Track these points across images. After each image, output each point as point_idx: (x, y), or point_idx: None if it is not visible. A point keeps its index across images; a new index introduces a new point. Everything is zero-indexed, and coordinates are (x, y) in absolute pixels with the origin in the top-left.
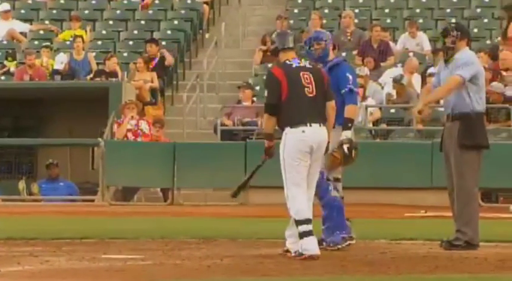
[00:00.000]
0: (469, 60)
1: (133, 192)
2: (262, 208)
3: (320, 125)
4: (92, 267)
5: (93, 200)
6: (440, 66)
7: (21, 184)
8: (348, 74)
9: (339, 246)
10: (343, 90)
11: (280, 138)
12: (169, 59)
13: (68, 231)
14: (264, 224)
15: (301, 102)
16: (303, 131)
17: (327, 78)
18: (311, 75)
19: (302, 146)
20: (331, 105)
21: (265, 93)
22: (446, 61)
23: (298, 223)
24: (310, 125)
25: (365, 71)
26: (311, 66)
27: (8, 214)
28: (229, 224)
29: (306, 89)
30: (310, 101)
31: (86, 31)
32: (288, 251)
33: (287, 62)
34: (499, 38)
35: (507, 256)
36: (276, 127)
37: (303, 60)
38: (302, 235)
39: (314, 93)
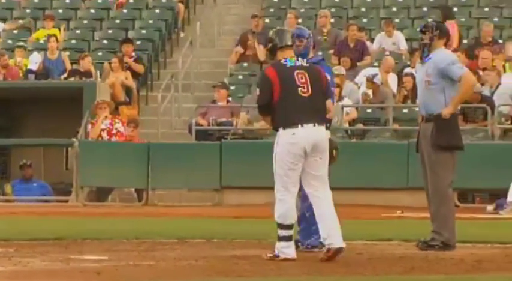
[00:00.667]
0: (452, 60)
1: (108, 192)
2: (237, 209)
3: (315, 125)
4: (66, 268)
5: (67, 201)
6: (417, 66)
7: None
8: (326, 74)
9: (316, 249)
10: None
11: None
12: (139, 68)
13: (41, 232)
14: (239, 224)
15: (294, 103)
16: (293, 134)
17: (324, 76)
18: (306, 74)
19: (292, 148)
20: (328, 103)
21: (258, 93)
22: (421, 59)
23: (279, 226)
24: (302, 126)
25: (341, 70)
26: (307, 65)
27: None
28: (204, 224)
29: (299, 89)
30: (304, 101)
31: (59, 30)
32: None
33: (282, 61)
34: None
35: (483, 256)
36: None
37: (299, 58)
38: (281, 239)
39: (309, 92)
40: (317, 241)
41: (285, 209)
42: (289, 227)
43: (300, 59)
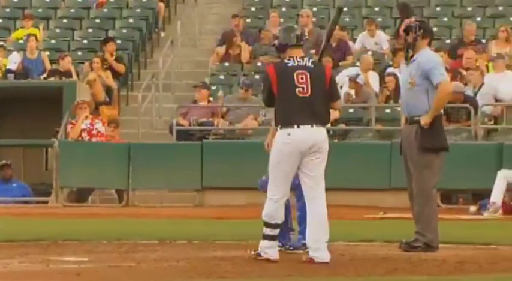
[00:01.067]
0: (436, 63)
1: (88, 193)
2: (219, 210)
3: (312, 126)
4: (46, 270)
5: (47, 202)
6: (402, 66)
7: None
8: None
9: (299, 251)
10: None
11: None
12: (120, 67)
13: (21, 233)
14: (220, 225)
15: (290, 103)
16: (289, 134)
17: (329, 77)
18: (308, 75)
19: (286, 149)
20: (334, 105)
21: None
22: (407, 59)
23: (265, 224)
24: (298, 127)
25: None
26: (311, 66)
27: None
28: (185, 225)
29: (297, 89)
30: (301, 102)
31: (39, 29)
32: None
33: (285, 60)
34: (393, 37)
35: (466, 257)
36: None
37: (305, 58)
38: (266, 237)
39: (309, 93)
40: (300, 243)
41: (274, 208)
42: (275, 226)
43: (305, 59)
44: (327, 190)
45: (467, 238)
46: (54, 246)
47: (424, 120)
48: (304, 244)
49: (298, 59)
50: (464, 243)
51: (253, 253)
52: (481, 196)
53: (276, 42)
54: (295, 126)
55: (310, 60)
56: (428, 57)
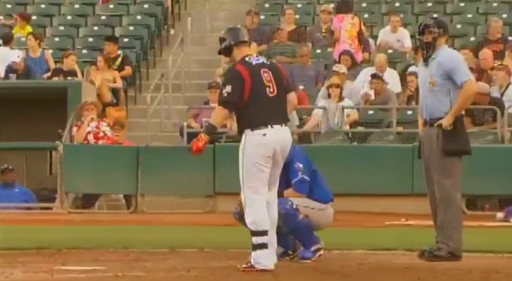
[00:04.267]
0: (459, 61)
1: (94, 199)
2: (231, 216)
3: (282, 126)
4: (50, 279)
5: (51, 208)
6: (420, 67)
7: None
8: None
9: (312, 260)
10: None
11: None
12: (127, 72)
13: (24, 241)
14: (233, 233)
15: (262, 103)
16: (264, 134)
17: (284, 73)
18: (270, 73)
19: (263, 150)
20: (292, 95)
21: (225, 89)
22: (425, 60)
23: (254, 233)
24: (272, 127)
25: (342, 69)
26: (269, 63)
27: None
28: (196, 233)
29: (267, 88)
30: (271, 101)
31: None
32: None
33: (246, 59)
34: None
35: (492, 267)
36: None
37: (259, 56)
38: (256, 247)
39: (275, 92)
40: (309, 253)
41: (257, 214)
42: (263, 233)
43: (259, 56)
44: (345, 195)
45: (493, 247)
46: (58, 255)
47: (447, 121)
48: (313, 251)
49: (257, 57)
50: (490, 252)
51: (244, 266)
52: (508, 202)
53: (223, 45)
54: (269, 126)
55: (264, 58)
56: (449, 55)
